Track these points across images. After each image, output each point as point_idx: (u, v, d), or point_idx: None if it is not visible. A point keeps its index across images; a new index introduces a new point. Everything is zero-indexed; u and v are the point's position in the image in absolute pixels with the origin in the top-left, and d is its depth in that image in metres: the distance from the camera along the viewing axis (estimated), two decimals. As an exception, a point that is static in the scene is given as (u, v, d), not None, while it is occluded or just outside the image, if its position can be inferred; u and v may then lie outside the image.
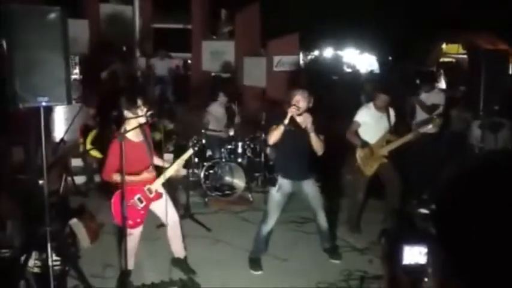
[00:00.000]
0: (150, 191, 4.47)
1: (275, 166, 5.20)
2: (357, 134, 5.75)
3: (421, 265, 1.04)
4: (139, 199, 4.43)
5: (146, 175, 4.39)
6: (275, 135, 4.71)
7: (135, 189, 4.38)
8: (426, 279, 1.04)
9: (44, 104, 3.77)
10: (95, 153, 7.15)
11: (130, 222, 4.26)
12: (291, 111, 4.64)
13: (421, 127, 5.97)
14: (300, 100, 4.70)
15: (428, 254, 1.00)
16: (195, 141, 4.83)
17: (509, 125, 7.32)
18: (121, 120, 4.44)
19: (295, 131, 4.69)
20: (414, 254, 1.03)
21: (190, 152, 4.81)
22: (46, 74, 3.73)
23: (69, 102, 3.94)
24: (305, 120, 4.69)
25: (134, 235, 4.41)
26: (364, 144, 5.68)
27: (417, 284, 1.06)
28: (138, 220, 4.43)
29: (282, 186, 4.88)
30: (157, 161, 4.63)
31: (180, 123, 7.78)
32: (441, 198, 0.79)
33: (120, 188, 4.04)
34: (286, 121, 4.65)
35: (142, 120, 4.26)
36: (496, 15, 13.61)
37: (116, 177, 4.15)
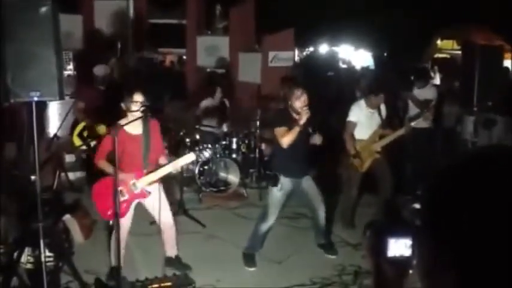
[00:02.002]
0: (135, 186, 4.42)
1: (275, 165, 5.11)
2: (353, 135, 5.74)
3: (407, 257, 1.05)
4: (121, 191, 4.36)
5: (123, 176, 4.29)
6: (290, 137, 4.66)
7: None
8: (411, 271, 1.04)
9: (36, 99, 3.73)
10: (78, 142, 7.09)
11: (109, 213, 4.28)
12: (307, 113, 4.61)
13: (412, 121, 6.07)
14: (306, 98, 4.70)
15: (413, 246, 1.00)
16: (200, 149, 4.75)
17: (502, 121, 7.35)
18: (117, 114, 4.45)
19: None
20: (399, 246, 1.03)
21: (191, 157, 4.69)
22: (38, 69, 3.68)
23: (61, 98, 3.91)
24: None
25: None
26: (356, 154, 5.67)
27: (402, 276, 1.07)
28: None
29: (283, 185, 4.86)
30: (161, 159, 4.57)
31: (175, 119, 7.74)
32: (432, 188, 0.78)
33: (109, 179, 4.14)
34: (302, 122, 4.62)
35: (139, 114, 4.29)
36: (491, 10, 13.63)
37: (101, 165, 4.35)
